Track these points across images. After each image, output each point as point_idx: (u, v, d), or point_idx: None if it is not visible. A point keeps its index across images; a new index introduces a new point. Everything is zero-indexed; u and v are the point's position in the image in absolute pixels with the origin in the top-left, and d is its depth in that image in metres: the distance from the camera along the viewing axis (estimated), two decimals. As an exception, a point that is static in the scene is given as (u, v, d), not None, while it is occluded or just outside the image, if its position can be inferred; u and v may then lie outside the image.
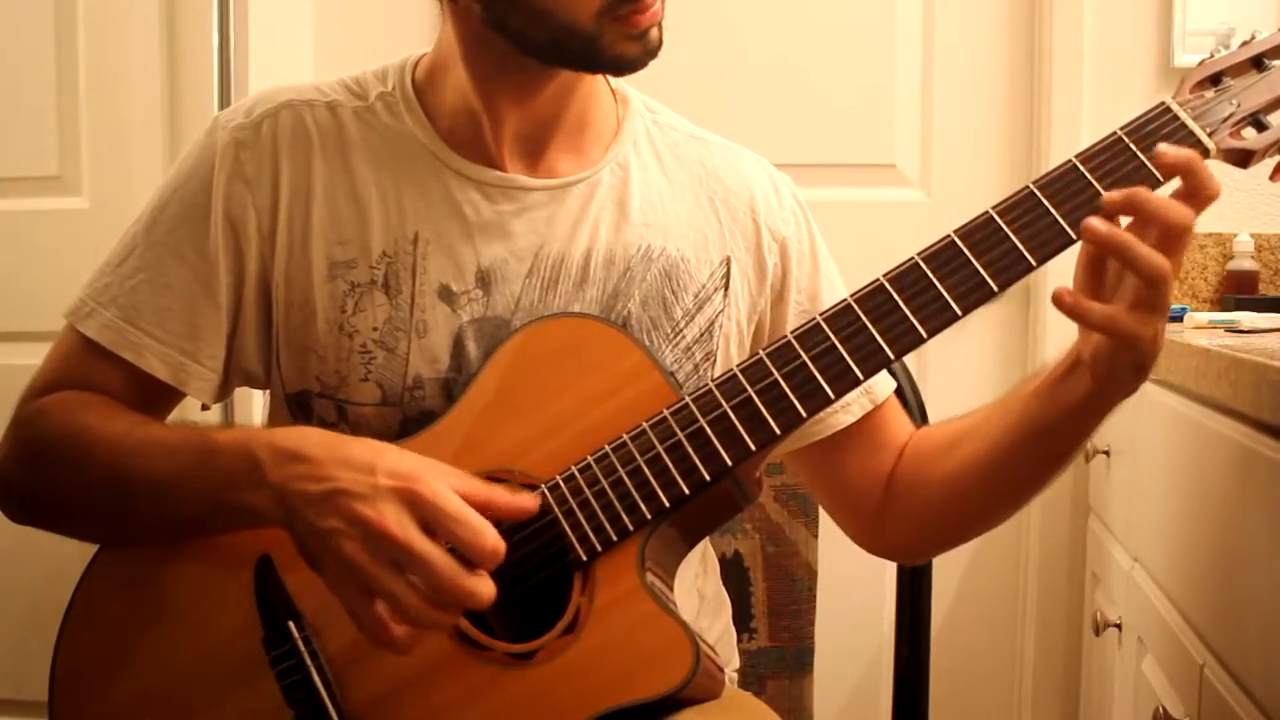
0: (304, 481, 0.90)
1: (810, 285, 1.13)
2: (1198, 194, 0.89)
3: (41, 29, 2.02)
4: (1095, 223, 0.87)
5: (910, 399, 1.26)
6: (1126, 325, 0.88)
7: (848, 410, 1.10)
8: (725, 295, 1.09)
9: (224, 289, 1.04)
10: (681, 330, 1.07)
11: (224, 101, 1.97)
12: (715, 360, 1.08)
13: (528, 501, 0.93)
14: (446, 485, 0.89)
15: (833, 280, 1.14)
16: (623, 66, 0.99)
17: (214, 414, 1.76)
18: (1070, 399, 0.95)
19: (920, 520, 1.11)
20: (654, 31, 0.97)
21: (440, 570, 0.87)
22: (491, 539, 0.88)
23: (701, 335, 1.08)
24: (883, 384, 1.11)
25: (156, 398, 1.05)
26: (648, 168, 1.10)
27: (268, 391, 1.10)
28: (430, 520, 0.88)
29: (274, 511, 0.92)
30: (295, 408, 1.06)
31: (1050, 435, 0.99)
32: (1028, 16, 2.11)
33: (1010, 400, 1.02)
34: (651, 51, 0.98)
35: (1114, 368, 0.92)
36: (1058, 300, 0.88)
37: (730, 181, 1.12)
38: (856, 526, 1.15)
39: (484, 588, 0.88)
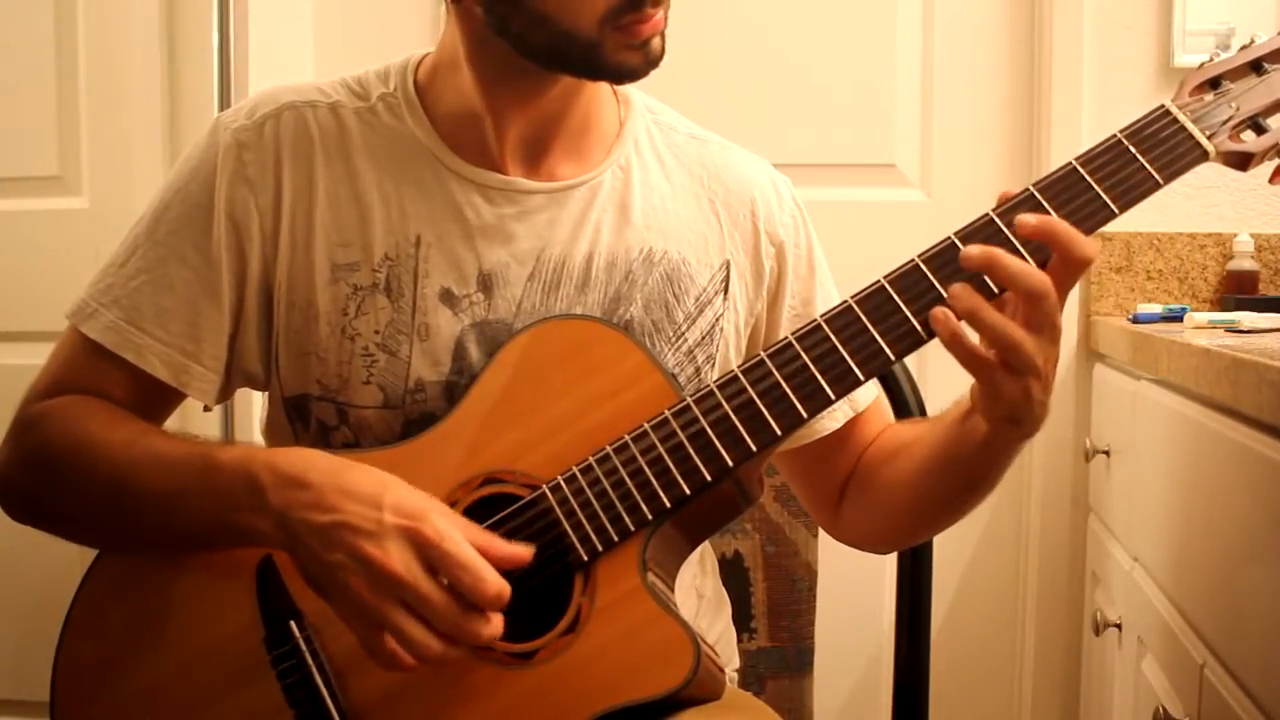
0: (307, 510, 0.91)
1: (804, 291, 1.13)
2: (1066, 261, 0.88)
3: (41, 29, 2.02)
4: (938, 313, 0.88)
5: (910, 399, 1.27)
6: (990, 375, 0.89)
7: (831, 417, 1.11)
8: (725, 299, 1.09)
9: (226, 290, 1.04)
10: (684, 333, 1.07)
11: (224, 101, 1.97)
12: (716, 363, 1.09)
13: (522, 552, 0.92)
14: (451, 525, 0.90)
15: (826, 287, 1.15)
16: (623, 75, 0.99)
17: (214, 415, 1.76)
18: (973, 436, 0.96)
19: (869, 520, 1.13)
20: (656, 41, 0.97)
21: (443, 615, 0.88)
22: (494, 586, 0.89)
23: (703, 338, 1.08)
24: (864, 391, 1.11)
25: (158, 399, 1.06)
26: (649, 169, 1.10)
27: (266, 394, 1.10)
28: (435, 562, 0.89)
29: (276, 535, 0.93)
30: (292, 412, 1.06)
31: (960, 465, 1.00)
32: (1028, 17, 2.11)
33: (933, 427, 1.04)
34: (653, 61, 0.98)
35: (990, 414, 0.92)
36: (935, 319, 0.88)
37: (731, 183, 1.12)
38: (825, 518, 1.18)
39: (487, 629, 0.89)
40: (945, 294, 0.92)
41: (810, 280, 1.14)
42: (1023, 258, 0.89)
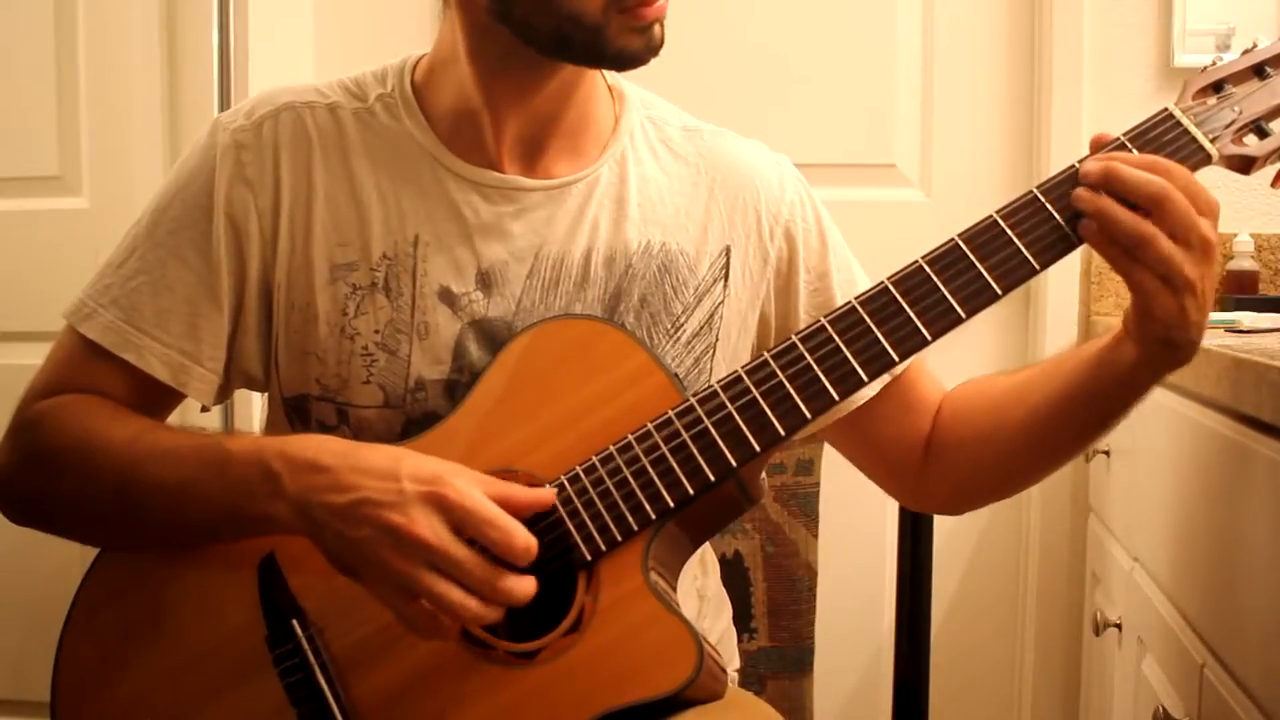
0: (326, 493, 0.91)
1: (819, 265, 1.12)
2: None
3: (41, 29, 2.02)
4: (1086, 220, 0.90)
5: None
6: (1142, 284, 0.89)
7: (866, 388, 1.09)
8: (725, 285, 1.09)
9: (226, 291, 1.04)
10: (682, 325, 1.07)
11: (224, 101, 1.97)
12: (715, 352, 1.08)
13: (544, 495, 0.94)
14: (471, 484, 0.90)
15: (842, 255, 1.14)
16: (625, 61, 0.99)
17: (214, 416, 1.76)
18: (1119, 365, 0.96)
19: (966, 478, 1.12)
20: (657, 28, 0.98)
21: (475, 573, 0.88)
22: (522, 539, 0.89)
23: (701, 328, 1.08)
24: None
25: (156, 399, 1.05)
26: (644, 163, 1.10)
27: (265, 395, 1.10)
28: (460, 522, 0.89)
29: (294, 521, 0.92)
30: (292, 412, 1.06)
31: (1098, 400, 0.99)
32: (1027, 17, 2.11)
33: (1058, 367, 1.03)
34: (654, 48, 0.98)
35: (1143, 334, 0.92)
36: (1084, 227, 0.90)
37: (728, 170, 1.11)
38: (898, 486, 1.16)
39: (521, 585, 0.89)
40: (948, 294, 0.92)
41: (824, 253, 1.13)
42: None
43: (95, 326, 1.03)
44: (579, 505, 0.95)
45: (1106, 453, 1.78)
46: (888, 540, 1.34)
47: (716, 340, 1.08)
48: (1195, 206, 0.88)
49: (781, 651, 1.34)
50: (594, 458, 0.96)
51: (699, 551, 1.09)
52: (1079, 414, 1.01)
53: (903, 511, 1.32)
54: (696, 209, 1.09)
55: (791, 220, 1.12)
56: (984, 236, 0.92)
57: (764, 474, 1.02)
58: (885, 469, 1.16)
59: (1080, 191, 0.90)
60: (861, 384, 0.94)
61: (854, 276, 1.13)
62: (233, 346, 1.06)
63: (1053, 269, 0.95)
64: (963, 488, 1.13)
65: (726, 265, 1.09)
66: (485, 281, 1.04)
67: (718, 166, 1.11)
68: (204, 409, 1.10)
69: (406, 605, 0.90)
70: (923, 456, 1.13)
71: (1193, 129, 0.92)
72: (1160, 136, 0.92)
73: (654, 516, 0.95)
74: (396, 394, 1.03)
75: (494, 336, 1.03)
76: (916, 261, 0.93)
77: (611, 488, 0.95)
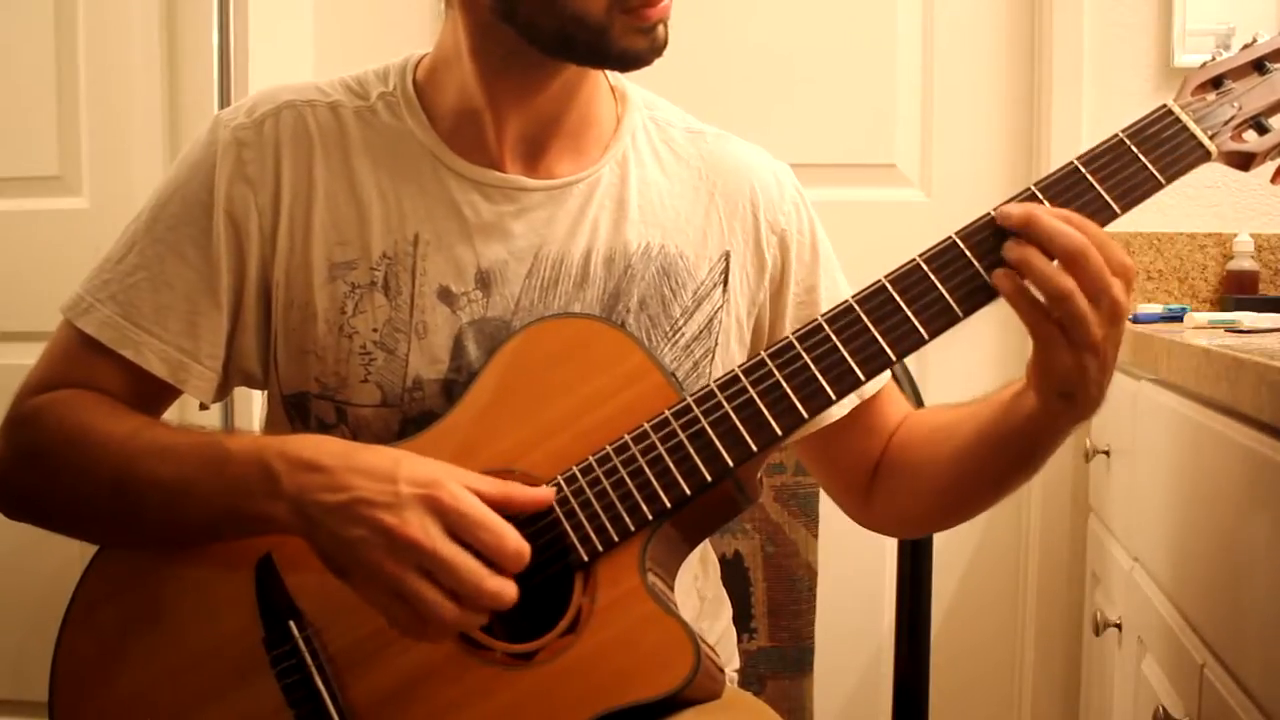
0: (322, 492, 0.91)
1: (809, 278, 1.13)
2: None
3: (41, 29, 2.02)
4: (1001, 271, 0.90)
5: (910, 399, 1.26)
6: (1047, 338, 0.89)
7: (838, 405, 1.10)
8: (724, 291, 1.09)
9: (225, 288, 1.04)
10: (680, 328, 1.07)
11: (224, 101, 1.97)
12: (714, 357, 1.08)
13: (544, 494, 0.94)
14: (467, 489, 0.90)
15: (832, 273, 1.14)
16: (628, 62, 0.99)
17: (213, 413, 1.76)
18: (1022, 412, 0.96)
19: (904, 504, 1.13)
20: (661, 28, 0.98)
21: (465, 576, 0.88)
22: (514, 543, 0.89)
23: (700, 332, 1.08)
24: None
25: (154, 396, 1.05)
26: (646, 165, 1.10)
27: (265, 393, 1.10)
28: (454, 526, 0.89)
29: (291, 521, 0.92)
30: (292, 410, 1.06)
31: (1008, 444, 1.00)
32: (1027, 17, 2.12)
33: (982, 406, 1.04)
34: (658, 49, 0.98)
35: (1042, 386, 0.93)
36: (998, 276, 0.90)
37: (729, 174, 1.11)
38: (848, 503, 1.17)
39: (508, 590, 0.89)
40: (946, 294, 0.92)
41: (814, 266, 1.13)
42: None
43: (93, 321, 1.03)
44: (575, 506, 0.95)
45: (1106, 453, 1.78)
46: (888, 540, 1.34)
47: (716, 345, 1.08)
48: (1109, 267, 0.88)
49: (781, 651, 1.34)
50: (590, 458, 0.96)
51: (699, 551, 1.09)
52: (993, 458, 1.02)
53: (903, 512, 1.32)
54: (697, 213, 1.09)
55: (787, 230, 1.12)
56: (981, 234, 0.92)
57: (760, 473, 1.02)
58: (839, 485, 1.17)
59: (1009, 243, 0.90)
60: (859, 383, 0.94)
61: (839, 294, 1.13)
62: (231, 344, 1.05)
63: (1053, 268, 0.94)
64: (903, 514, 1.14)
65: (726, 271, 1.09)
66: (484, 281, 1.04)
67: (719, 171, 1.11)
68: (202, 406, 1.10)
69: (390, 604, 0.90)
70: (871, 477, 1.14)
71: (1192, 125, 0.92)
72: (1159, 133, 0.92)
73: (651, 517, 0.94)
74: (394, 393, 1.03)
75: (492, 336, 1.03)
76: (914, 259, 0.93)
77: (608, 488, 0.95)
